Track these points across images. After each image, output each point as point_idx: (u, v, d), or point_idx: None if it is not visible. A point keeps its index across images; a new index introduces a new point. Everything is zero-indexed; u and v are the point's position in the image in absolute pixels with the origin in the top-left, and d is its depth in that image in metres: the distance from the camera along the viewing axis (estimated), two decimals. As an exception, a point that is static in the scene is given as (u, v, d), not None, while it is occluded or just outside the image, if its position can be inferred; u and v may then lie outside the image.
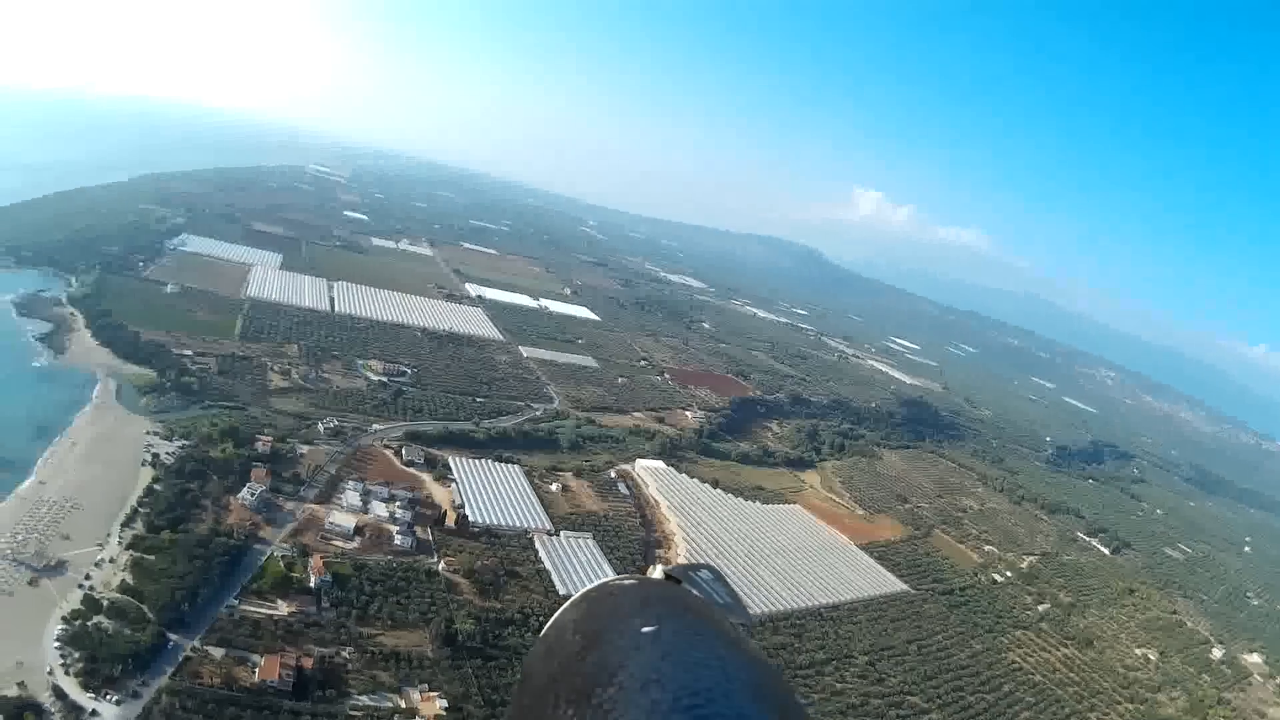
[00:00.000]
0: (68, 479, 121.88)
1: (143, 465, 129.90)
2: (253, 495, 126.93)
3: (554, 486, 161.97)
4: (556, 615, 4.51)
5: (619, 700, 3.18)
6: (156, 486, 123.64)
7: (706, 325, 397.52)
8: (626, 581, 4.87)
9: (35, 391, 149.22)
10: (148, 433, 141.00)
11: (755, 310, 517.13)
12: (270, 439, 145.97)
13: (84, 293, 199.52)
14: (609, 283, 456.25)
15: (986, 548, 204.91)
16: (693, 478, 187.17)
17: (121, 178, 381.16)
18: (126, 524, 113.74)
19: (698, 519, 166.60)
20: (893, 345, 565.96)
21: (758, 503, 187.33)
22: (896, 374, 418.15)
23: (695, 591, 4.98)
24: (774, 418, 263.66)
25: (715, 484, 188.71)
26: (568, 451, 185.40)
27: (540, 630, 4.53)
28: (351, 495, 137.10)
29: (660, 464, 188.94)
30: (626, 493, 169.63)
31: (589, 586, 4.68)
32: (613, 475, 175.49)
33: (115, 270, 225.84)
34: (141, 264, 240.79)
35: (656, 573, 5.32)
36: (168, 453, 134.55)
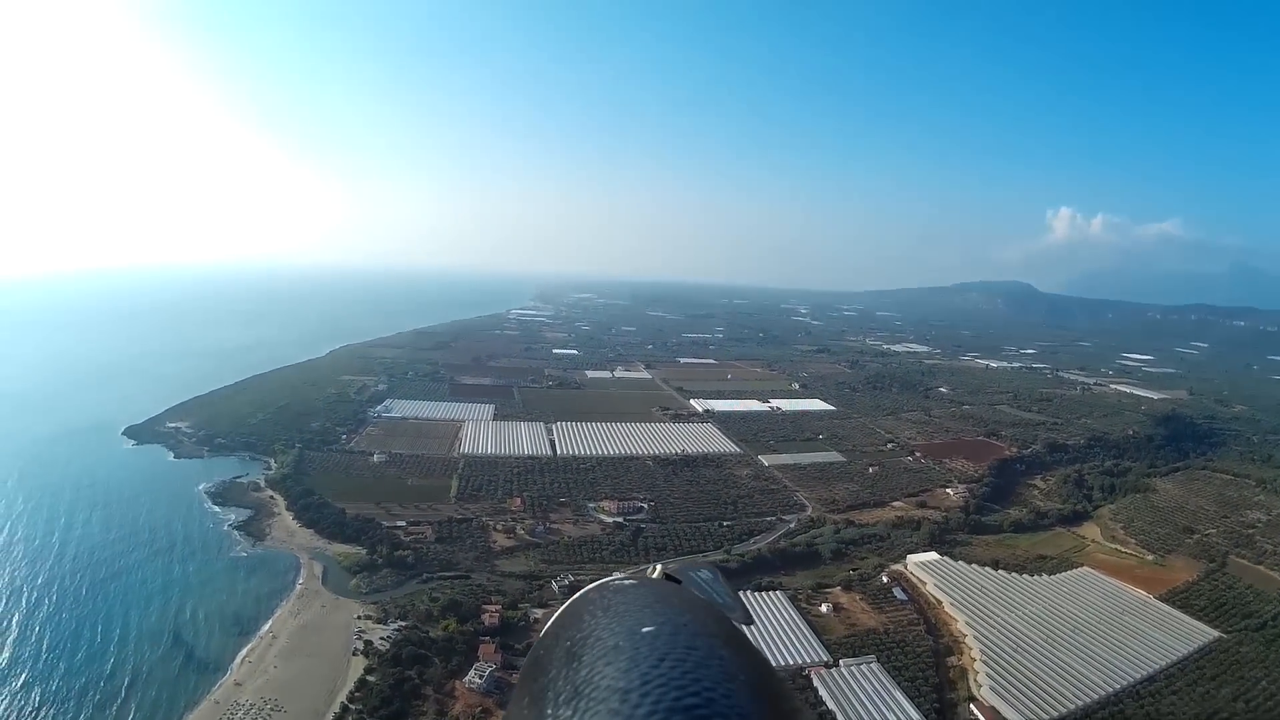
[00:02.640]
0: (268, 677, 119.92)
1: (353, 655, 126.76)
2: (481, 676, 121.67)
3: (823, 607, 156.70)
4: (556, 615, 4.82)
5: (618, 701, 3.32)
6: (370, 678, 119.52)
7: (944, 390, 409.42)
8: (626, 582, 5.17)
9: (234, 584, 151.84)
10: (358, 617, 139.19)
11: (987, 361, 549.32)
12: (498, 608, 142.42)
13: (283, 473, 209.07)
14: (835, 368, 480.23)
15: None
16: (970, 563, 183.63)
17: (319, 353, 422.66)
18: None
19: (985, 610, 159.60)
20: (1127, 362, 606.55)
21: (1044, 575, 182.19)
22: (1141, 392, 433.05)
23: (695, 591, 5.53)
24: (1035, 473, 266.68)
25: (996, 565, 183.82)
26: (831, 562, 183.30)
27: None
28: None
29: (933, 555, 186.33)
30: (903, 597, 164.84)
31: (588, 587, 5.05)
32: (885, 580, 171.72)
33: (316, 446, 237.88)
34: (344, 436, 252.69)
35: (656, 573, 5.88)
36: (382, 638, 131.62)
